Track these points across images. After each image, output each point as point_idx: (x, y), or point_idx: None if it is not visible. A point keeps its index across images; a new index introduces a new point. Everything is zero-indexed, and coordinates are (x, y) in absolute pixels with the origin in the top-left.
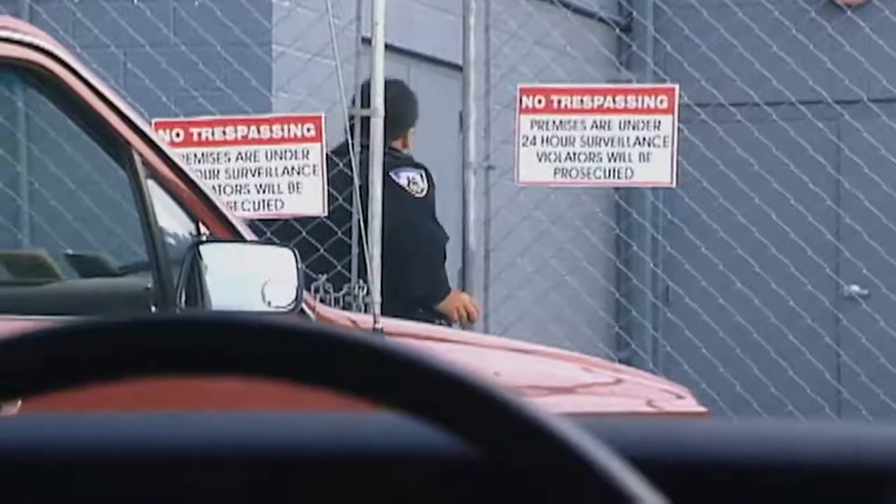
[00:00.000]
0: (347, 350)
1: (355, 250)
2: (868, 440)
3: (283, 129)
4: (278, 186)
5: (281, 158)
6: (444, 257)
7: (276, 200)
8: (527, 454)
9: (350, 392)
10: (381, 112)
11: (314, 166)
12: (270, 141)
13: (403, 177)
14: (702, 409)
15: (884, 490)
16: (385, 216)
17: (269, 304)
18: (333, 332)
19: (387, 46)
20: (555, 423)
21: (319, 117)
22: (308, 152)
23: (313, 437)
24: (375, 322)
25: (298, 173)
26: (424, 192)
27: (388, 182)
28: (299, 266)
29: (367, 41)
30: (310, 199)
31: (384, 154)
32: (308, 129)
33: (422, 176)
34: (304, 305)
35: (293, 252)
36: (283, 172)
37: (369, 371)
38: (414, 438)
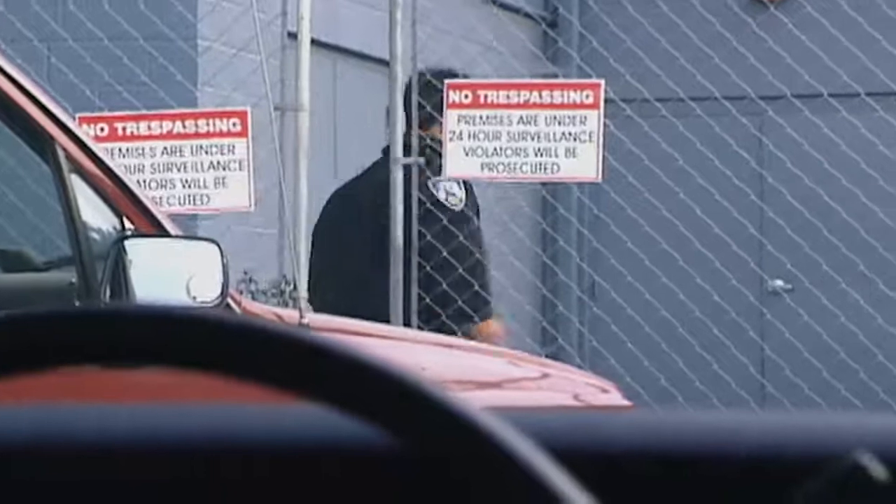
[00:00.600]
0: (272, 343)
1: (289, 245)
2: (789, 429)
3: (208, 124)
4: (204, 181)
5: (207, 153)
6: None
7: (202, 195)
8: (449, 446)
9: (274, 384)
10: (307, 107)
11: (240, 161)
12: (196, 136)
13: (442, 189)
14: (627, 402)
15: (804, 479)
16: (427, 233)
17: (195, 298)
18: (258, 325)
19: (313, 41)
20: (477, 415)
21: (245, 112)
22: (234, 147)
23: (238, 430)
24: (301, 317)
25: (224, 168)
26: (462, 202)
27: (425, 194)
28: (225, 260)
29: (292, 36)
30: (236, 194)
31: (425, 148)
32: (234, 124)
33: (459, 185)
34: (229, 300)
35: (218, 246)
36: (209, 167)
37: (293, 364)
38: (338, 431)
